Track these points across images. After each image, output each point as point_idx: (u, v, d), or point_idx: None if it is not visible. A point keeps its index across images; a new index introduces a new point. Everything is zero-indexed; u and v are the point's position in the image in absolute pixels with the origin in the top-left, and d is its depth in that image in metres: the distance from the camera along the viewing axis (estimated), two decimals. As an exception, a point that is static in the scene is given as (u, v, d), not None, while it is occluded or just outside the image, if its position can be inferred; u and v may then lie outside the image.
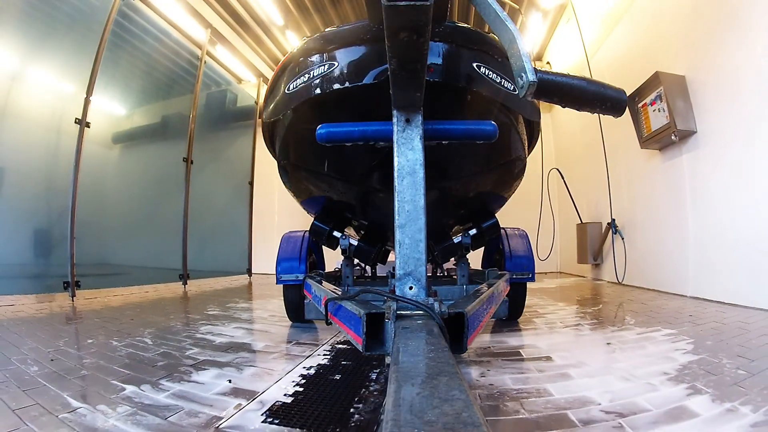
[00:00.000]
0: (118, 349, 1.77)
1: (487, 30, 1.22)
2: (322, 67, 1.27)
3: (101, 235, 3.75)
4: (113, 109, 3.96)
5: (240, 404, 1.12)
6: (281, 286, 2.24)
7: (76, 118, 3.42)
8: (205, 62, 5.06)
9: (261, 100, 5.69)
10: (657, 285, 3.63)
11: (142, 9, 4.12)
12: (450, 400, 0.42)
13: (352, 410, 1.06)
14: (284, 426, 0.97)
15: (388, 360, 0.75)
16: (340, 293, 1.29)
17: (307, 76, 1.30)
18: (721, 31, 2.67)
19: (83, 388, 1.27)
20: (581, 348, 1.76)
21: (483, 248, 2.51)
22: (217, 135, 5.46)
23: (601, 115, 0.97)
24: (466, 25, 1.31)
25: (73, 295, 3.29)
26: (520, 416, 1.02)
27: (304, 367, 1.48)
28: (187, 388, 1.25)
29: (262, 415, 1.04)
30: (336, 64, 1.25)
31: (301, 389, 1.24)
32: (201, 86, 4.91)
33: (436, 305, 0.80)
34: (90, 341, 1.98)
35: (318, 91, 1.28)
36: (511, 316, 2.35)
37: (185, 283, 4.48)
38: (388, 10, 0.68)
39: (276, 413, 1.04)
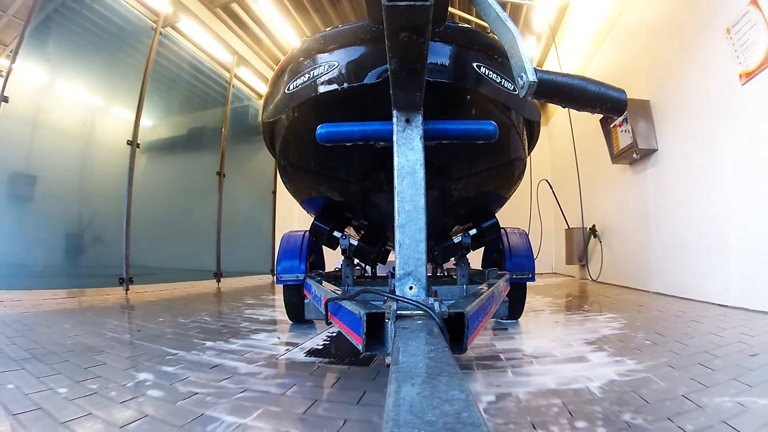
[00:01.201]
0: (187, 324, 2.25)
1: (487, 30, 1.20)
2: (322, 67, 1.25)
3: (147, 240, 4.15)
4: (156, 129, 4.39)
5: (288, 349, 1.68)
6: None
7: (128, 140, 3.91)
8: (233, 85, 5.49)
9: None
10: (628, 282, 4.03)
11: (178, 39, 4.64)
12: (450, 400, 0.42)
13: (360, 352, 1.56)
14: (318, 357, 1.53)
15: (388, 360, 0.73)
16: (340, 293, 1.28)
17: (307, 76, 1.28)
18: (681, 61, 2.98)
19: (174, 344, 1.73)
20: (533, 324, 2.18)
21: (483, 248, 2.47)
22: (244, 149, 5.82)
23: (601, 115, 0.94)
24: (466, 25, 1.29)
25: (127, 289, 3.79)
26: (470, 355, 1.52)
27: (329, 332, 2.02)
28: (250, 342, 1.77)
29: (303, 354, 1.59)
30: (336, 64, 1.23)
31: (328, 342, 1.80)
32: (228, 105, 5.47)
33: (437, 305, 0.79)
34: (161, 320, 2.43)
35: (318, 91, 1.26)
36: (510, 316, 2.31)
37: (219, 281, 5.06)
38: (388, 10, 0.68)
39: (312, 353, 1.61)
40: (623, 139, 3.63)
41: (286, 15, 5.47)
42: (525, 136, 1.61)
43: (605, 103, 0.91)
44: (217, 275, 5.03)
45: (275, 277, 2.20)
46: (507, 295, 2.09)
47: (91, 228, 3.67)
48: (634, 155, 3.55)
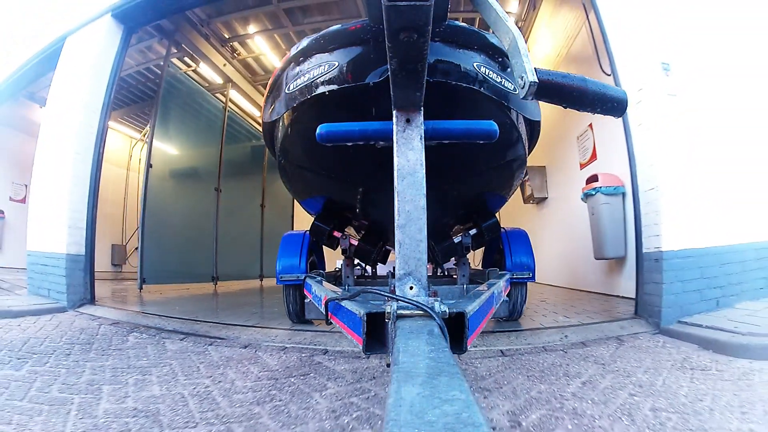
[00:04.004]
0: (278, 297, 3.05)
1: (488, 30, 1.20)
2: (323, 66, 1.25)
3: (222, 253, 5.94)
4: (225, 177, 6.10)
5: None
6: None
7: (215, 187, 5.81)
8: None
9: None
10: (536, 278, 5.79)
11: (238, 113, 6.90)
12: (450, 400, 0.42)
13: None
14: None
15: (388, 360, 0.74)
16: (340, 293, 1.28)
17: (307, 75, 1.28)
18: (560, 147, 4.90)
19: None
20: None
21: (483, 248, 2.48)
22: (275, 185, 7.40)
23: (602, 115, 0.96)
24: (466, 25, 1.29)
25: (216, 284, 5.71)
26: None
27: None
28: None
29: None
30: (336, 63, 1.23)
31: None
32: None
33: (437, 305, 0.79)
34: (266, 294, 4.30)
35: (318, 90, 1.26)
36: (510, 316, 2.33)
37: (261, 280, 7.03)
38: (389, 10, 0.68)
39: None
40: (528, 190, 5.61)
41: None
42: (525, 136, 1.61)
43: (605, 103, 0.92)
44: (261, 276, 7.04)
45: (276, 277, 2.21)
46: (507, 295, 2.11)
47: (196, 246, 5.52)
48: (531, 201, 5.72)
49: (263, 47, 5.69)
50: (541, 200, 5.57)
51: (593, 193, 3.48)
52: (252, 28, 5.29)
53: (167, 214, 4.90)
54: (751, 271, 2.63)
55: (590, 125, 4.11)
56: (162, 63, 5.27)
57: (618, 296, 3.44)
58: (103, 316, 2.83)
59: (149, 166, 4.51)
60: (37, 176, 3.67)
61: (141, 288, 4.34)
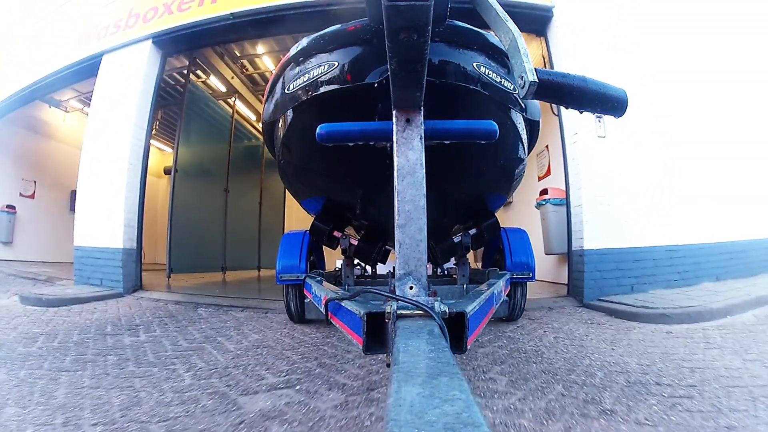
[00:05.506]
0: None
1: (487, 30, 1.17)
2: (322, 66, 1.22)
3: (229, 246, 6.51)
4: (232, 178, 6.62)
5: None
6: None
7: (224, 188, 6.33)
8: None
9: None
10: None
11: (241, 121, 7.37)
12: (450, 400, 0.41)
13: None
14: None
15: (388, 360, 0.71)
16: (340, 293, 1.24)
17: (307, 76, 1.25)
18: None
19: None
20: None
21: (483, 248, 2.44)
22: (271, 183, 8.18)
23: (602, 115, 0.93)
24: (466, 25, 1.24)
25: (224, 273, 6.23)
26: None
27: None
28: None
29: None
30: (336, 63, 1.20)
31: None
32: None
33: (437, 305, 0.77)
34: (267, 284, 4.52)
35: (318, 90, 1.23)
36: (510, 316, 2.28)
37: (259, 270, 7.54)
38: (389, 10, 0.66)
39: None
40: (496, 194, 6.06)
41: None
42: (525, 136, 1.57)
43: (605, 102, 0.90)
44: (259, 267, 7.61)
45: (276, 276, 2.16)
46: (507, 295, 2.06)
47: (209, 240, 6.05)
48: (498, 204, 6.35)
49: (270, 65, 6.21)
50: (507, 203, 6.26)
51: (544, 203, 4.19)
52: (261, 49, 5.81)
53: (188, 213, 5.42)
54: (664, 266, 3.33)
55: (547, 146, 4.78)
56: (175, 74, 5.96)
57: (561, 283, 4.08)
58: (162, 299, 3.21)
59: (175, 170, 5.02)
60: (85, 182, 4.04)
61: (169, 276, 4.79)
